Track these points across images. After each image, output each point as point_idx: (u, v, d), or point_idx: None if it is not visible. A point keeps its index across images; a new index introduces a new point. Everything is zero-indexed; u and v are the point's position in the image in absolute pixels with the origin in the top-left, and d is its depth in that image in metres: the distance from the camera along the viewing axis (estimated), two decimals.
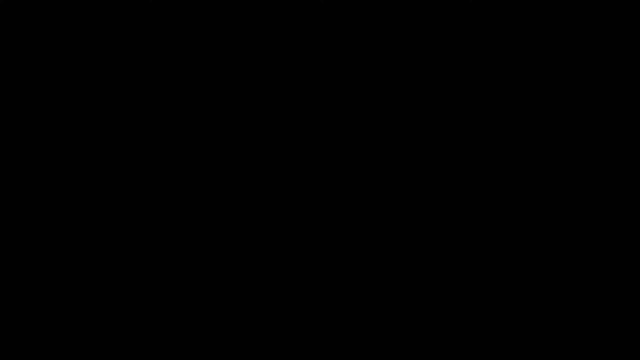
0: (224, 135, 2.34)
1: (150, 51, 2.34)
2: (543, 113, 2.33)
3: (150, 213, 2.32)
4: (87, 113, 2.34)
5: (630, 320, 2.27)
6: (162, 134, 2.33)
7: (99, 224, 2.31)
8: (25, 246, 2.30)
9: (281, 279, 2.30)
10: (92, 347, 2.28)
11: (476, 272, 2.30)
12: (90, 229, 2.31)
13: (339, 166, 2.33)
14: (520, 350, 2.27)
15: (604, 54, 2.33)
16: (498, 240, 2.30)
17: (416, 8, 2.34)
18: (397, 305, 2.29)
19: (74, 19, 2.35)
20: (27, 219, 2.31)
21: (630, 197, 2.30)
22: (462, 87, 2.34)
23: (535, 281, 2.29)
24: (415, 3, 2.34)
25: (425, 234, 2.31)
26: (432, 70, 2.34)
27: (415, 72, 2.34)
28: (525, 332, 2.27)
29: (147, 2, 2.34)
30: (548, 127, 2.32)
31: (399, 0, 2.35)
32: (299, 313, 2.30)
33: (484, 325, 2.28)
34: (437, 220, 2.31)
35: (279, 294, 2.30)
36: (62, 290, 2.29)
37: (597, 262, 2.29)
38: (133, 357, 2.28)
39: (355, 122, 2.34)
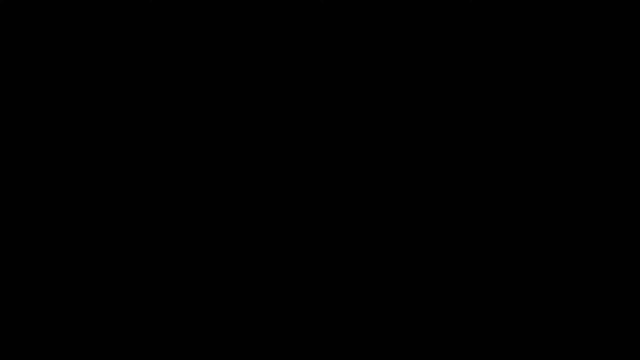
0: (224, 135, 2.34)
1: (150, 51, 2.34)
2: (543, 113, 2.33)
3: (151, 213, 2.32)
4: (87, 113, 2.34)
5: (630, 320, 2.27)
6: (163, 134, 2.33)
7: (99, 224, 2.31)
8: (25, 246, 2.30)
9: (281, 279, 2.30)
10: (92, 347, 2.28)
11: (476, 272, 2.30)
12: (90, 229, 2.31)
13: (339, 166, 2.33)
14: (520, 350, 2.27)
15: (604, 54, 2.33)
16: (498, 240, 2.30)
17: (416, 8, 2.34)
18: (397, 305, 2.29)
19: (74, 19, 2.35)
20: (27, 219, 2.31)
21: (631, 197, 2.30)
22: (462, 87, 2.34)
23: (535, 281, 2.29)
24: (415, 3, 2.34)
25: (425, 234, 2.31)
26: (432, 70, 2.34)
27: (415, 72, 2.34)
28: (525, 332, 2.27)
29: (147, 2, 2.34)
30: (548, 127, 2.32)
31: (399, 0, 2.35)
32: (299, 313, 2.30)
33: (484, 325, 2.28)
34: (437, 220, 2.31)
35: (279, 294, 2.30)
36: (62, 290, 2.29)
37: (597, 262, 2.29)
38: (133, 357, 2.28)
39: (355, 122, 2.34)
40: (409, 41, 2.34)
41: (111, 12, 2.34)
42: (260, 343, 2.29)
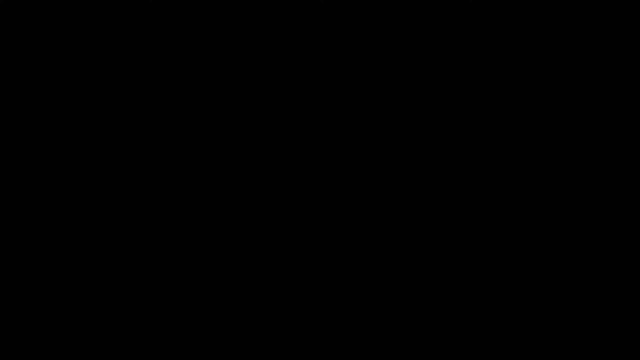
0: (224, 135, 2.34)
1: (150, 51, 2.34)
2: (543, 113, 2.33)
3: (151, 213, 2.32)
4: (87, 113, 2.34)
5: (630, 320, 2.27)
6: (162, 134, 2.33)
7: (99, 224, 2.31)
8: (25, 246, 2.30)
9: (281, 279, 2.31)
10: (92, 347, 2.28)
11: (476, 272, 2.30)
12: (90, 229, 2.31)
13: (339, 166, 2.33)
14: (520, 351, 2.27)
15: (604, 54, 2.33)
16: (498, 240, 2.30)
17: (416, 8, 2.34)
18: (397, 305, 2.29)
19: (74, 19, 2.35)
20: (27, 219, 2.31)
21: (631, 197, 2.30)
22: (462, 87, 2.34)
23: (535, 281, 2.29)
24: (415, 3, 2.34)
25: (425, 234, 2.31)
26: (432, 70, 2.34)
27: (415, 72, 2.34)
28: (525, 332, 2.27)
29: (147, 2, 2.34)
30: (548, 127, 2.32)
31: (399, 0, 2.35)
32: (299, 313, 2.30)
33: (484, 325, 2.28)
34: (437, 220, 2.31)
35: (279, 294, 2.30)
36: (62, 290, 2.29)
37: (597, 262, 2.29)
38: (133, 357, 2.28)
39: (355, 122, 2.34)
40: (409, 41, 2.34)
41: (111, 12, 2.34)
42: (260, 343, 2.29)
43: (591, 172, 2.31)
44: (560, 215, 2.31)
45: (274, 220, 2.32)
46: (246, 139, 2.34)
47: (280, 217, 2.32)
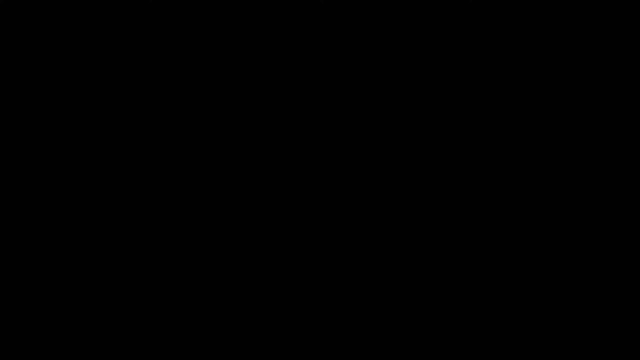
0: (224, 135, 2.34)
1: (151, 51, 2.35)
2: (543, 113, 2.33)
3: (151, 213, 2.32)
4: (87, 113, 2.34)
5: (630, 320, 2.27)
6: (162, 134, 2.33)
7: (99, 224, 2.31)
8: (25, 246, 2.30)
9: (281, 279, 2.31)
10: (92, 347, 2.28)
11: (476, 272, 2.30)
12: (90, 229, 2.31)
13: (339, 166, 2.33)
14: (520, 351, 2.27)
15: (604, 54, 2.33)
16: (498, 240, 2.30)
17: (416, 8, 2.34)
18: (397, 305, 2.30)
19: (74, 19, 2.35)
20: (27, 219, 2.31)
21: (630, 197, 2.30)
22: (462, 87, 2.34)
23: (535, 281, 2.29)
24: (415, 3, 2.34)
25: (425, 234, 2.31)
26: (432, 70, 2.34)
27: (415, 72, 2.34)
28: (525, 332, 2.28)
29: (147, 2, 2.34)
30: (548, 127, 2.32)
31: (399, 0, 2.35)
32: (299, 313, 2.30)
33: (484, 325, 2.28)
34: (437, 221, 2.31)
35: (279, 294, 2.30)
36: (62, 290, 2.29)
37: (597, 262, 2.29)
38: (133, 357, 2.28)
39: (355, 122, 2.34)
40: (409, 41, 2.34)
41: (111, 12, 2.35)
42: (260, 343, 2.29)
43: (591, 171, 2.31)
44: (560, 214, 2.31)
45: (273, 219, 2.32)
46: (246, 139, 2.34)
47: (280, 216, 2.32)
